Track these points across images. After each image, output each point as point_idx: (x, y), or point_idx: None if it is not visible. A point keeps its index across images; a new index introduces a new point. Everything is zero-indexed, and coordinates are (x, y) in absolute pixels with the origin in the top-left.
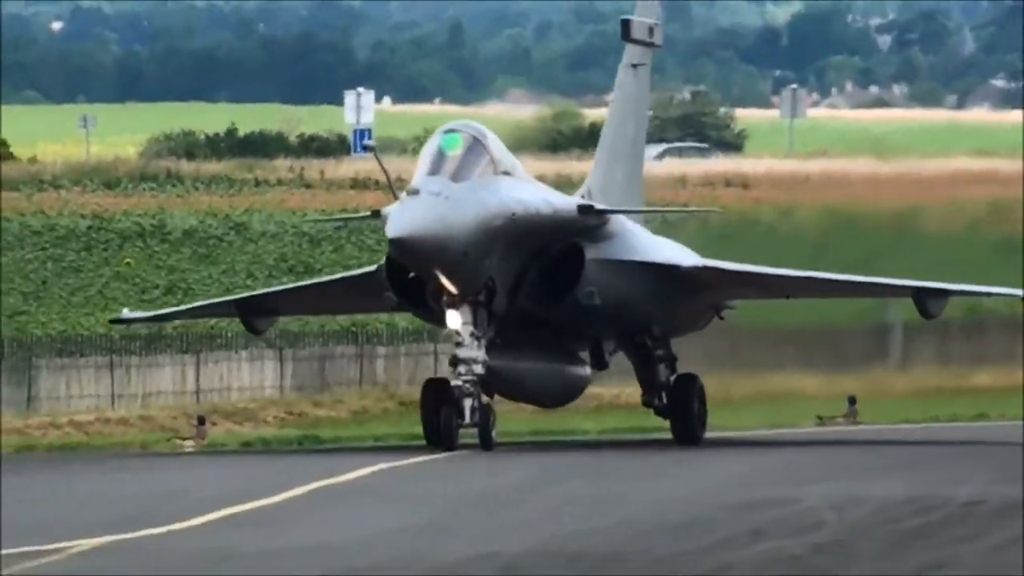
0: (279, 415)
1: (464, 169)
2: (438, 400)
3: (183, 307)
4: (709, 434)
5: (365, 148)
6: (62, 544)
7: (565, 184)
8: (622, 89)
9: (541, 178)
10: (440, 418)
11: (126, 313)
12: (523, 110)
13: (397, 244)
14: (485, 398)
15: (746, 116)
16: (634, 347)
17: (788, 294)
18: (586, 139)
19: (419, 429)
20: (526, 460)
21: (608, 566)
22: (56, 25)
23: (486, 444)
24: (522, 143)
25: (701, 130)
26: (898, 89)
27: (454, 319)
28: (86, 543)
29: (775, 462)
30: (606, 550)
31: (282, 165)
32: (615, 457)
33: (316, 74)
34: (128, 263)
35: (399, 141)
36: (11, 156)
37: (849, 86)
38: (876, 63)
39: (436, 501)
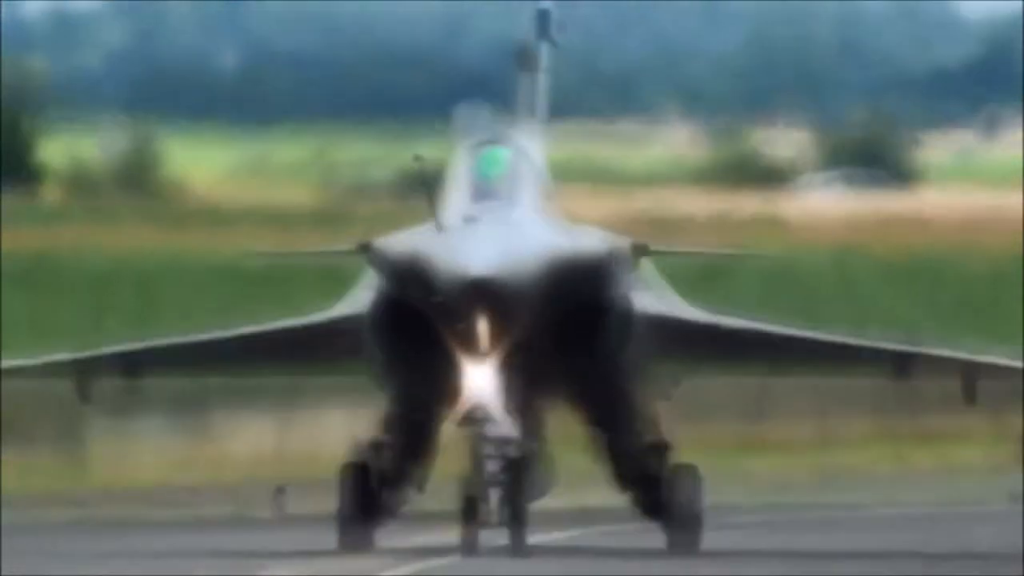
0: None
1: (516, 191)
2: (358, 491)
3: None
4: None
5: (415, 159)
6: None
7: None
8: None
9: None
10: (358, 510)
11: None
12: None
13: (478, 286)
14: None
15: (928, 140)
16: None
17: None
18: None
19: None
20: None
21: None
22: None
23: (519, 549)
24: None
25: (879, 155)
26: None
27: (479, 381)
28: None
29: None
30: None
31: None
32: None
33: None
34: None
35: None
36: None
37: None
38: None
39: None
